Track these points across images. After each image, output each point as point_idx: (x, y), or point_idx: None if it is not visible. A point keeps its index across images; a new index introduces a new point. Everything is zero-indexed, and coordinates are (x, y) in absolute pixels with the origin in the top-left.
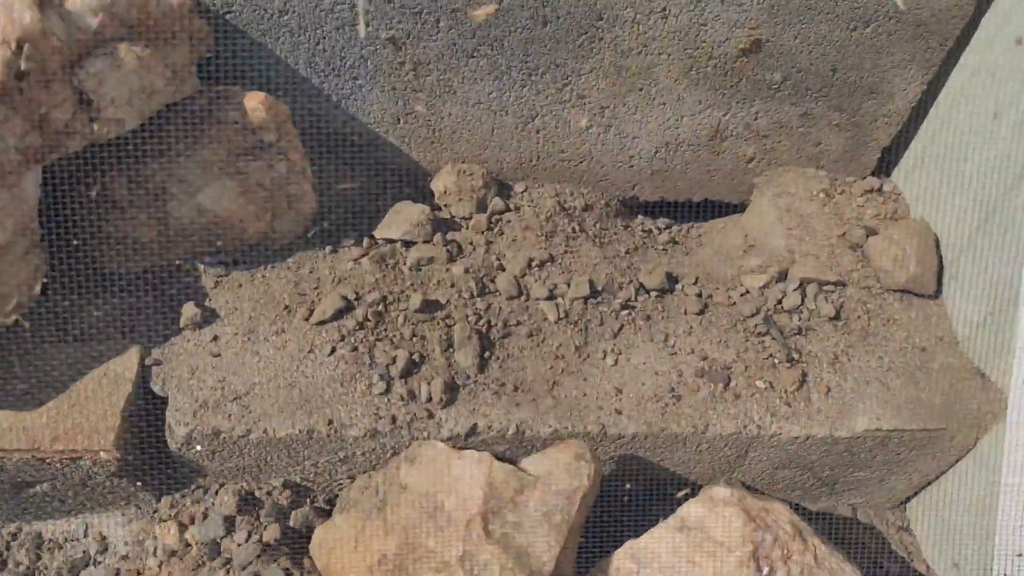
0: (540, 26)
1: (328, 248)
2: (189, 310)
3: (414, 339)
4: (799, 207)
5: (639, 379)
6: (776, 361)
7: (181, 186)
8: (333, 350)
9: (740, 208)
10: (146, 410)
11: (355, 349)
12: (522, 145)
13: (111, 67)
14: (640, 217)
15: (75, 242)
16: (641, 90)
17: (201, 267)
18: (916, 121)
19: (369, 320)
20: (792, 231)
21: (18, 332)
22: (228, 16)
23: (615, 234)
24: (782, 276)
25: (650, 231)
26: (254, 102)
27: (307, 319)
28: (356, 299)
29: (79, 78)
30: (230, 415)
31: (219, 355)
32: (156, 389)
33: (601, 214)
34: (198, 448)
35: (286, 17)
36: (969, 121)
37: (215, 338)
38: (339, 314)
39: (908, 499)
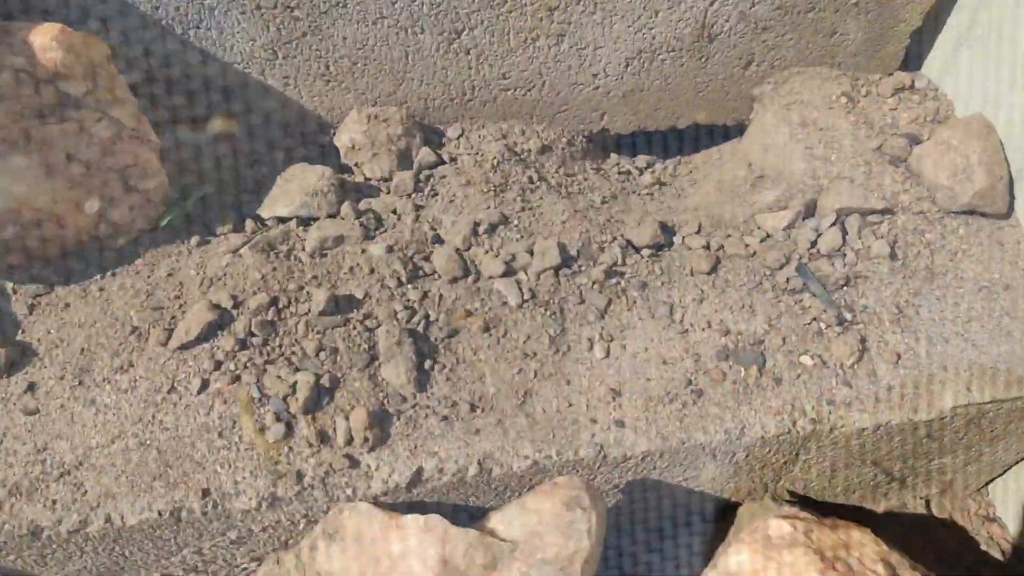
0: None
1: (194, 239)
2: None
3: (321, 355)
4: (817, 118)
5: (642, 373)
6: (823, 326)
7: None
8: (205, 384)
9: (737, 132)
10: None
11: (237, 379)
12: (450, 73)
13: None
14: (614, 156)
15: None
16: None
17: (8, 285)
18: None
19: (255, 334)
20: (813, 150)
21: None
22: None
23: (585, 180)
24: (810, 210)
25: (628, 172)
26: (45, 38)
27: (165, 344)
28: (235, 306)
29: None
30: (55, 501)
31: (37, 412)
32: None
33: (564, 156)
34: (11, 558)
35: None
36: None
37: (30, 388)
38: (211, 331)
39: (990, 481)
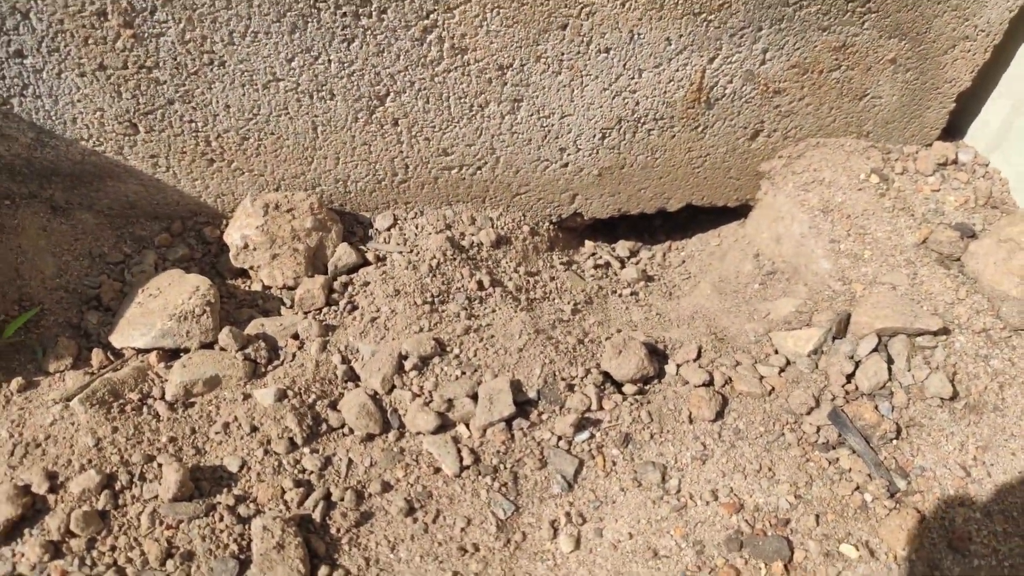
0: None
1: (15, 383)
2: None
3: (169, 563)
4: (843, 202)
5: (625, 572)
6: (868, 498)
7: None
8: None
9: (739, 213)
10: None
11: None
12: (374, 149)
13: None
14: (589, 244)
15: None
16: (565, 27)
17: None
18: (1012, 44)
19: (75, 534)
20: (839, 244)
21: None
22: None
23: (552, 279)
24: (842, 327)
25: (607, 264)
26: None
27: None
28: (52, 490)
29: None
30: None
31: None
32: None
33: (525, 249)
34: None
35: None
36: None
37: None
38: (14, 529)
39: None
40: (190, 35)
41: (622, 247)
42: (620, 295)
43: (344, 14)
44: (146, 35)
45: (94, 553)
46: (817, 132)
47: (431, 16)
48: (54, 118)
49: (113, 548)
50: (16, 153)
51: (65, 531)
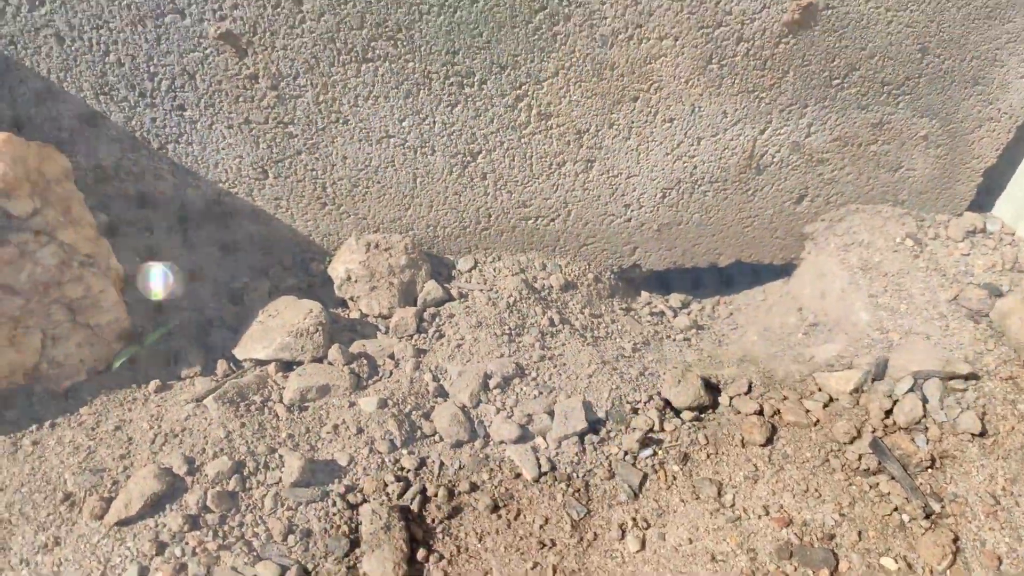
0: (469, 3)
1: (153, 384)
2: None
3: (290, 538)
4: (880, 262)
5: (686, 572)
6: (906, 518)
7: None
8: (143, 572)
9: (781, 271)
10: None
11: (182, 568)
12: (463, 198)
13: None
14: (645, 294)
15: None
16: (636, 99)
17: None
18: None
19: (211, 510)
20: (878, 298)
21: None
22: None
23: (613, 322)
24: (880, 370)
25: (661, 313)
26: None
27: (101, 517)
28: (190, 472)
29: None
30: None
31: None
32: None
33: (590, 294)
34: None
35: (43, 11)
36: None
37: None
38: (158, 503)
39: None
40: (323, 97)
41: (674, 299)
42: (674, 339)
43: (451, 83)
44: (287, 96)
45: (226, 527)
46: (856, 199)
47: (523, 87)
48: (200, 163)
49: (241, 524)
50: (162, 191)
51: (202, 507)
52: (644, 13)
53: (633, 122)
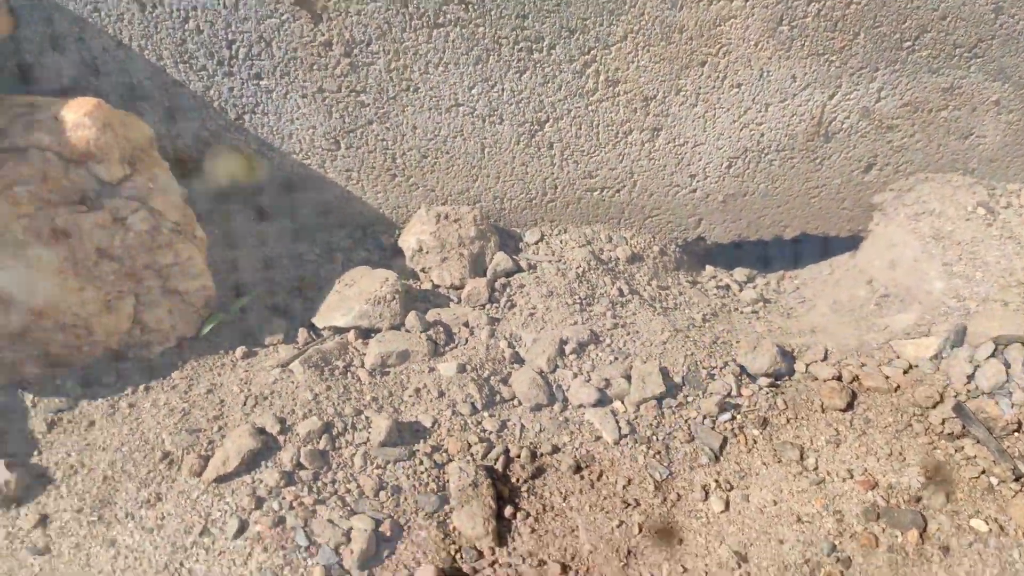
0: None
1: (240, 350)
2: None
3: (382, 494)
4: (953, 231)
5: (772, 533)
6: (995, 480)
7: None
8: (243, 526)
9: (845, 244)
10: None
11: (281, 521)
12: (530, 169)
13: None
14: (710, 268)
15: None
16: (704, 64)
17: (28, 398)
18: None
19: (304, 467)
20: (952, 267)
21: None
22: None
23: (680, 294)
24: (958, 338)
25: (727, 287)
26: (77, 113)
27: (200, 474)
28: (282, 432)
29: None
30: None
31: (47, 552)
32: None
33: (656, 267)
34: None
35: None
36: None
37: (42, 521)
38: (253, 460)
39: None
40: (395, 64)
41: (739, 273)
42: (742, 312)
43: (520, 49)
44: (360, 64)
45: (319, 484)
46: (926, 167)
47: (591, 52)
48: (275, 134)
49: (334, 481)
50: (238, 161)
51: (296, 464)
52: None
53: (700, 88)
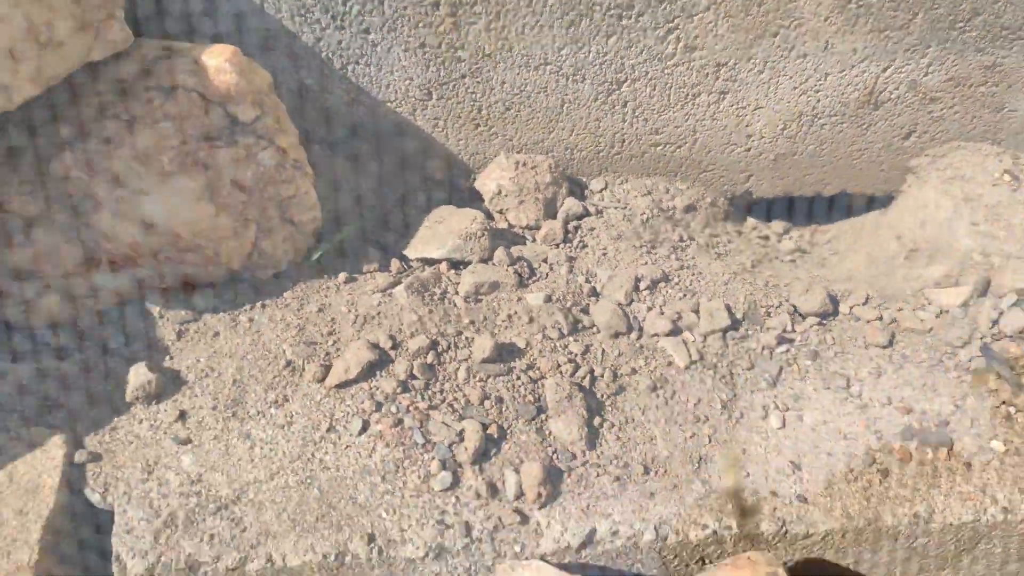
0: None
1: (342, 276)
2: (139, 375)
3: (486, 403)
4: (982, 194)
5: (822, 447)
6: (1012, 410)
7: (113, 190)
8: (365, 425)
9: (878, 203)
10: (80, 532)
11: (399, 422)
12: (603, 124)
13: None
14: (750, 220)
15: None
16: (776, 35)
17: (155, 310)
18: None
19: (416, 377)
20: (979, 226)
21: None
22: None
23: (729, 242)
24: (983, 288)
25: (767, 237)
26: (219, 59)
27: (322, 380)
28: (393, 347)
29: None
30: (213, 536)
31: (189, 441)
32: (94, 499)
33: (708, 216)
34: None
35: None
36: None
37: (181, 416)
38: (370, 370)
39: None
40: (494, 25)
41: (776, 225)
42: (782, 260)
43: (611, 15)
44: (462, 23)
45: (430, 392)
46: (959, 136)
47: (675, 20)
48: (373, 83)
49: (443, 391)
50: (337, 109)
51: (409, 375)
52: None
53: (769, 56)
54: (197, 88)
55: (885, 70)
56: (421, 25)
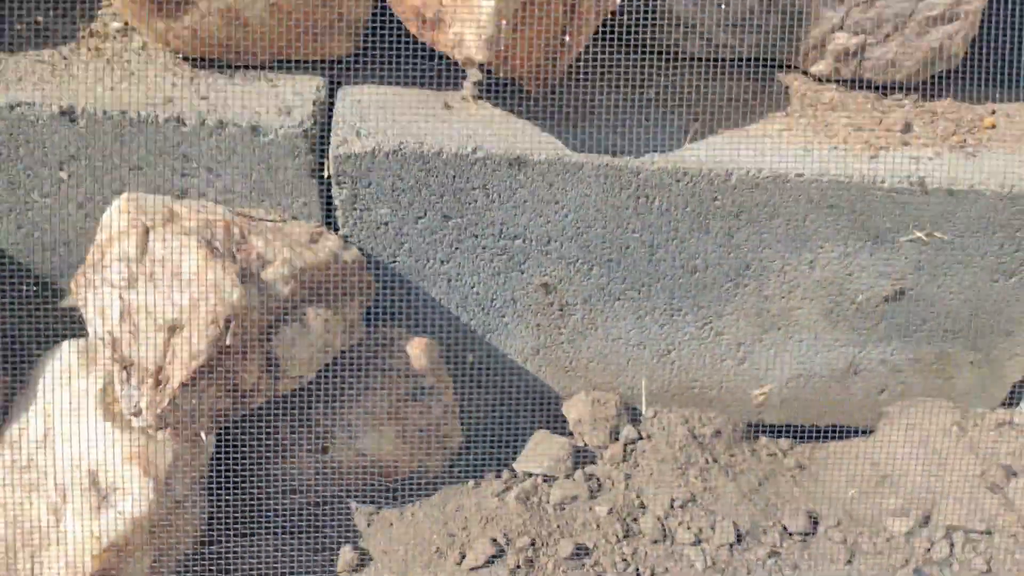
0: (688, 274)
1: (471, 483)
2: (347, 554)
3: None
4: (934, 442)
5: None
6: None
7: (345, 431)
8: None
9: (863, 431)
10: None
11: None
12: (655, 374)
13: (300, 333)
14: (763, 438)
15: (240, 484)
16: (780, 329)
17: (353, 505)
18: None
19: (520, 568)
20: (927, 468)
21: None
22: (392, 266)
23: (743, 461)
24: (925, 520)
25: (775, 454)
26: (417, 349)
27: (459, 564)
28: (506, 543)
29: (272, 344)
30: None
31: None
32: None
33: (729, 439)
34: None
35: (446, 266)
36: None
37: None
38: (491, 560)
39: None
40: (586, 317)
41: (783, 442)
42: (784, 476)
43: (664, 314)
44: (567, 314)
45: None
46: (920, 394)
47: (709, 318)
48: (502, 346)
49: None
50: (475, 364)
51: (516, 566)
52: (793, 286)
53: (776, 341)
54: (402, 368)
55: (860, 352)
56: (538, 314)
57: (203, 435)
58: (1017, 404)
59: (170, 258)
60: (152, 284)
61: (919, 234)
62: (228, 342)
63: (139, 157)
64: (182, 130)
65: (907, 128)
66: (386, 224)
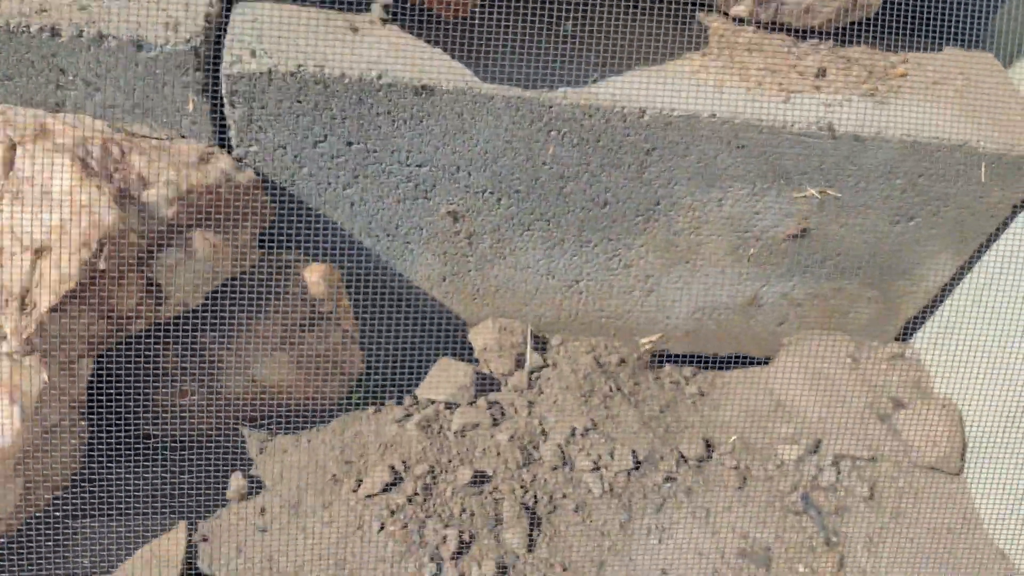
0: (599, 207)
1: (372, 409)
2: (237, 481)
3: (463, 515)
4: (828, 372)
5: (683, 560)
6: (815, 543)
7: (236, 359)
8: (382, 527)
9: (762, 361)
10: None
11: (405, 526)
12: (564, 304)
13: (184, 257)
14: (667, 367)
15: (120, 411)
16: (687, 263)
17: (246, 432)
18: (943, 295)
19: (418, 495)
20: (820, 397)
21: (60, 505)
22: (291, 189)
23: (647, 389)
24: (815, 448)
25: (678, 382)
26: (315, 275)
27: (355, 491)
28: (404, 470)
29: (152, 270)
30: None
31: (266, 530)
32: (203, 568)
33: (634, 368)
34: None
35: (349, 191)
36: (1003, 302)
37: (262, 511)
38: (388, 487)
39: None
40: (495, 245)
41: (687, 370)
42: (685, 403)
43: (575, 244)
44: (475, 242)
45: (427, 506)
46: (818, 327)
47: (618, 251)
48: (409, 272)
49: (436, 505)
50: (376, 288)
51: (413, 493)
52: (702, 222)
53: (682, 274)
54: (299, 294)
55: (764, 286)
56: (445, 242)
57: (78, 359)
58: (910, 339)
59: (39, 176)
60: (20, 203)
61: (812, 191)
62: (102, 266)
63: (8, 67)
64: (58, 41)
65: (821, 73)
66: (284, 147)
